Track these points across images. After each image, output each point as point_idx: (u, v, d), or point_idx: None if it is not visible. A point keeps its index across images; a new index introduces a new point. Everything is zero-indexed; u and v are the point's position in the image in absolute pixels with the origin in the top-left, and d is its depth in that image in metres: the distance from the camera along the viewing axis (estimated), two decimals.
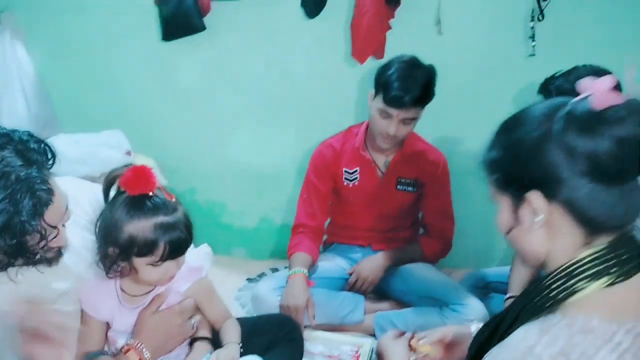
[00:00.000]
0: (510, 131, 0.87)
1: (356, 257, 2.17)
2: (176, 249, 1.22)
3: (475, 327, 1.20)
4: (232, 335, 1.40)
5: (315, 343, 1.88)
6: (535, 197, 0.82)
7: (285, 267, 2.12)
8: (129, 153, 2.29)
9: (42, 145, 1.07)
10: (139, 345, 1.25)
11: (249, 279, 2.55)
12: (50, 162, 1.09)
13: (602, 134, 0.77)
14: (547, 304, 0.81)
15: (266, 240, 2.74)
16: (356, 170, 2.08)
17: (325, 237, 2.27)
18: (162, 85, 2.60)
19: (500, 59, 2.33)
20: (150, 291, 1.33)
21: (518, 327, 0.82)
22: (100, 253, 1.26)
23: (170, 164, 2.58)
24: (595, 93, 0.80)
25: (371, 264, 2.09)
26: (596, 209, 0.80)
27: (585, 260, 0.81)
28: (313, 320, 1.88)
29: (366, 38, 2.28)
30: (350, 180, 2.09)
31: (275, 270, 2.59)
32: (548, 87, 1.72)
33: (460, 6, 2.28)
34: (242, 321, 1.52)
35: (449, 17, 2.29)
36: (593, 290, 0.79)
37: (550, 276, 0.83)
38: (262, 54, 2.47)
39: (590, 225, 0.81)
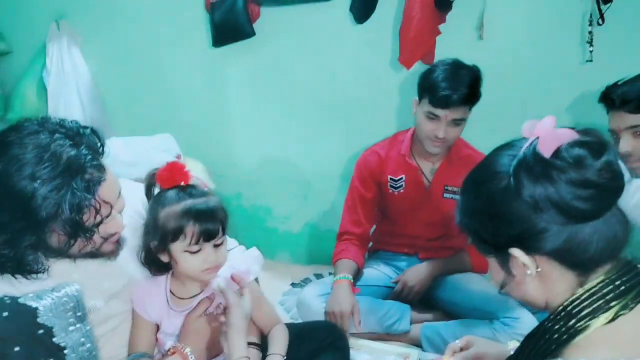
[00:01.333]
0: (473, 193, 0.85)
1: (402, 266, 2.14)
2: (207, 232, 1.22)
3: (513, 346, 1.16)
4: (278, 345, 1.39)
5: (361, 351, 1.85)
6: (518, 254, 0.80)
7: (330, 273, 2.11)
8: (179, 157, 2.33)
9: (91, 131, 1.13)
10: (183, 348, 1.26)
11: (293, 284, 2.55)
12: (100, 148, 1.13)
13: (558, 179, 0.74)
14: (550, 348, 0.79)
15: (310, 245, 2.74)
16: (402, 178, 2.05)
17: (370, 244, 2.24)
18: (211, 91, 2.65)
19: (553, 65, 2.25)
20: (197, 294, 1.34)
21: None
22: (143, 249, 1.29)
23: (218, 168, 2.63)
24: (541, 137, 0.77)
25: (418, 272, 2.06)
26: (581, 250, 0.77)
27: (582, 298, 0.78)
28: (359, 327, 1.86)
29: (414, 43, 2.25)
30: (396, 188, 2.07)
31: (319, 275, 2.58)
32: (610, 96, 1.65)
33: (508, 10, 2.23)
34: (289, 327, 1.51)
35: (494, 22, 2.23)
36: (594, 329, 0.76)
37: (551, 318, 0.81)
38: (310, 58, 2.48)
39: (580, 266, 0.79)
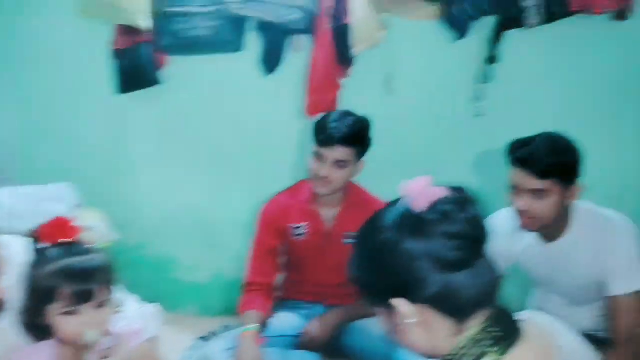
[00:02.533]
0: (359, 246, 0.92)
1: (310, 314, 2.13)
2: (82, 293, 1.16)
3: None
4: None
5: None
6: (399, 304, 0.86)
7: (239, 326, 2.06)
8: (77, 207, 2.22)
9: None
10: None
11: (199, 338, 2.45)
12: None
13: (431, 233, 0.82)
14: None
15: (219, 296, 2.67)
16: (303, 226, 2.08)
17: (278, 293, 2.23)
18: (115, 139, 2.59)
19: (450, 118, 2.41)
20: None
21: None
22: (23, 313, 1.21)
23: (121, 218, 2.51)
24: (414, 196, 0.85)
25: (323, 321, 2.06)
26: (456, 297, 0.83)
27: (464, 347, 0.84)
28: None
29: (316, 95, 2.35)
30: (298, 235, 2.09)
31: (227, 328, 2.51)
32: (515, 155, 1.69)
33: (411, 68, 2.38)
34: None
35: (398, 77, 2.37)
36: None
37: None
38: (217, 108, 2.50)
39: (457, 313, 0.85)
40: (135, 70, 2.39)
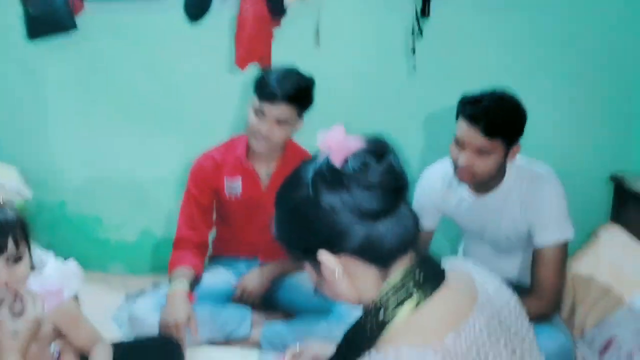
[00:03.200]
0: (280, 204, 0.92)
1: (242, 270, 2.12)
2: None
3: None
4: None
5: None
6: (324, 257, 0.87)
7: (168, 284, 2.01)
8: None
9: None
10: None
11: (127, 297, 2.39)
12: None
13: (350, 185, 0.83)
14: (365, 342, 0.85)
15: (147, 254, 2.60)
16: (238, 182, 2.04)
17: (210, 251, 2.19)
18: (28, 89, 2.40)
19: (381, 74, 2.39)
20: None
21: None
22: None
23: (38, 175, 2.38)
24: (332, 148, 0.86)
25: (255, 276, 2.06)
26: (378, 245, 0.85)
27: (388, 291, 0.86)
28: (196, 334, 1.80)
29: (249, 46, 2.26)
30: (233, 192, 2.04)
31: (157, 286, 2.45)
32: (468, 109, 1.66)
33: (341, 19, 2.33)
34: (118, 345, 1.41)
35: (329, 29, 2.32)
36: (400, 318, 0.84)
37: (363, 314, 0.88)
38: (141, 58, 2.37)
39: (379, 260, 0.87)
40: (47, 12, 2.20)
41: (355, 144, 0.85)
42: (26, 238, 1.19)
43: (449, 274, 0.89)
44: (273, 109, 1.87)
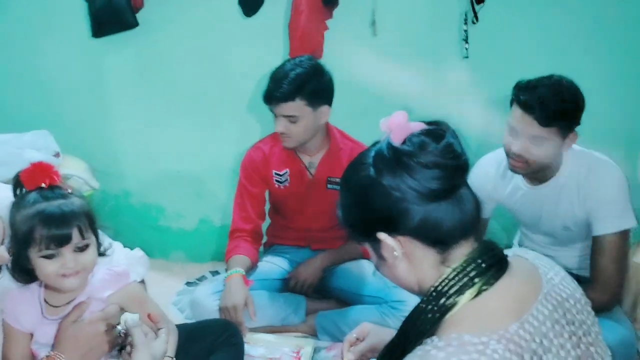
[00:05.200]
0: (344, 184, 0.94)
1: (296, 258, 2.16)
2: (57, 237, 1.16)
3: None
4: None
5: (256, 346, 1.85)
6: (384, 237, 0.88)
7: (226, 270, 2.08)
8: (57, 155, 2.18)
9: None
10: (58, 356, 1.19)
11: (188, 283, 2.49)
12: None
13: (409, 164, 0.83)
14: (426, 328, 0.85)
15: (206, 242, 2.68)
16: (286, 172, 2.07)
17: (265, 239, 2.24)
18: (93, 84, 2.51)
19: (435, 60, 2.37)
20: (71, 301, 1.27)
21: (411, 350, 0.84)
22: (9, 256, 1.21)
23: (103, 166, 2.49)
24: (393, 129, 0.86)
25: (309, 266, 2.09)
26: (438, 227, 0.85)
27: (449, 277, 0.85)
28: (254, 318, 1.86)
29: (303, 38, 2.28)
30: (281, 182, 2.08)
31: (215, 273, 2.54)
32: (523, 96, 1.61)
33: (396, 8, 2.31)
34: (181, 327, 1.47)
35: (383, 18, 2.31)
36: (462, 305, 0.83)
37: (423, 299, 0.87)
38: (198, 51, 2.43)
39: (439, 242, 0.87)
40: (111, 12, 2.29)
41: (415, 126, 0.87)
42: (93, 227, 1.23)
43: (512, 263, 0.88)
44: (278, 109, 1.90)
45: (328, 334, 1.97)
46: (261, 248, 2.20)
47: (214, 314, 1.88)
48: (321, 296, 2.14)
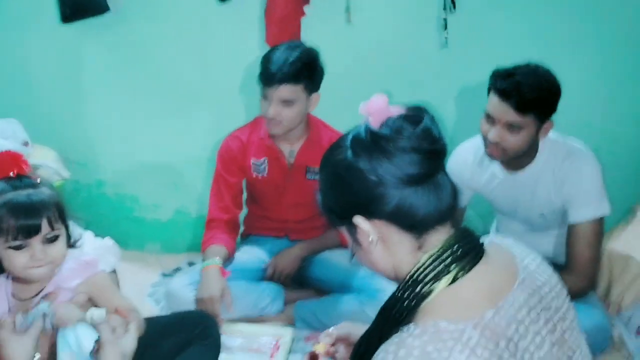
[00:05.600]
0: (322, 168, 0.93)
1: (274, 248, 2.14)
2: (26, 227, 1.14)
3: None
4: None
5: (234, 336, 1.84)
6: (359, 221, 0.87)
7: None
8: (26, 144, 2.12)
9: None
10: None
11: (163, 274, 2.45)
12: None
13: (386, 148, 0.83)
14: (402, 316, 0.85)
15: (182, 233, 2.64)
16: (264, 161, 2.05)
17: (242, 229, 2.22)
18: (66, 72, 2.45)
19: (412, 49, 2.36)
20: (39, 292, 1.23)
21: (387, 338, 0.84)
22: None
23: (75, 156, 2.44)
24: (371, 113, 0.86)
25: (287, 255, 2.08)
26: (414, 212, 0.84)
27: (425, 264, 0.85)
28: (231, 309, 1.84)
29: (279, 24, 2.25)
30: (259, 172, 2.06)
31: (192, 264, 2.51)
32: (500, 84, 1.62)
33: None
34: (155, 320, 1.45)
35: (360, 5, 2.29)
36: (438, 292, 0.83)
37: (400, 287, 0.87)
38: (173, 39, 2.39)
39: (415, 227, 0.86)
40: None
41: (394, 110, 0.86)
42: (63, 217, 1.21)
43: (488, 250, 0.88)
44: (275, 91, 1.85)
45: (306, 324, 1.96)
46: (238, 238, 2.17)
47: (190, 305, 1.86)
48: (299, 286, 2.13)
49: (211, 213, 2.08)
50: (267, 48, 2.28)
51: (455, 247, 0.85)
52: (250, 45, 2.36)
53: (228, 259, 2.01)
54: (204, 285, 1.84)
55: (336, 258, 2.06)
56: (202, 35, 2.37)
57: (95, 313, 1.13)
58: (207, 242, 2.01)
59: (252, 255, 2.12)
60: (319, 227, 2.14)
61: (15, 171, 1.17)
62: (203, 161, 2.51)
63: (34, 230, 1.14)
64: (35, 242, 1.15)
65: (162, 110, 2.48)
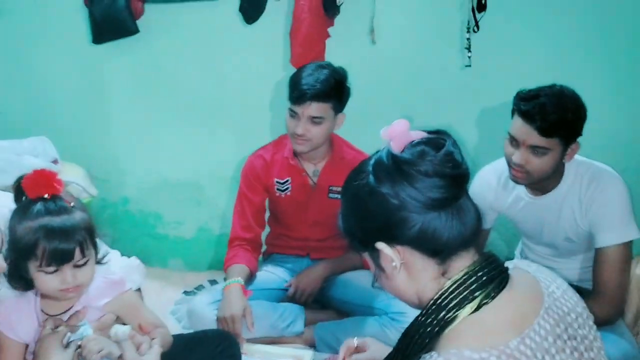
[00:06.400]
0: (344, 192, 0.94)
1: (295, 267, 2.14)
2: (60, 253, 1.15)
3: None
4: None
5: (254, 357, 1.83)
6: (382, 247, 0.87)
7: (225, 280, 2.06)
8: (55, 161, 2.17)
9: None
10: None
11: (185, 292, 2.46)
12: None
13: (408, 173, 0.83)
14: (425, 342, 0.83)
15: (204, 250, 2.66)
16: (287, 180, 2.06)
17: (264, 248, 2.22)
18: (92, 91, 2.51)
19: (435, 69, 2.36)
20: (68, 309, 1.25)
21: None
22: (6, 263, 1.18)
23: (101, 173, 2.48)
24: (393, 138, 0.86)
25: (309, 275, 2.07)
26: (437, 237, 0.84)
27: (449, 290, 0.84)
28: (252, 329, 1.84)
29: (304, 45, 2.27)
30: (282, 191, 2.07)
31: (214, 282, 2.52)
32: (524, 106, 1.60)
33: (395, 16, 2.31)
34: (177, 337, 1.46)
35: (383, 26, 2.30)
36: (462, 319, 0.82)
37: (422, 313, 0.86)
38: (198, 59, 2.43)
39: (438, 253, 0.85)
40: (111, 18, 2.29)
41: (416, 134, 0.87)
42: (93, 240, 1.22)
43: (513, 275, 0.87)
44: (305, 109, 1.88)
45: (327, 346, 1.95)
46: (260, 257, 2.18)
47: (212, 324, 1.86)
48: (320, 306, 2.12)
49: (234, 231, 2.09)
50: (291, 68, 2.33)
51: (480, 273, 0.84)
52: (275, 66, 2.39)
53: (250, 278, 2.02)
54: (226, 304, 1.84)
55: (358, 279, 2.05)
56: (226, 55, 2.41)
57: (120, 330, 1.15)
58: (230, 260, 2.02)
59: (273, 274, 2.12)
60: (340, 247, 2.13)
61: (50, 191, 1.17)
62: (226, 179, 2.53)
63: (67, 258, 1.16)
64: (67, 267, 1.17)
65: (186, 128, 2.51)
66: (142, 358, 1.14)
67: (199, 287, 2.50)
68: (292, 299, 2.07)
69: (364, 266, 2.09)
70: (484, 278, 0.84)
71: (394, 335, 1.77)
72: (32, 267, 1.16)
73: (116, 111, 2.52)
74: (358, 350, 1.26)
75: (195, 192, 2.60)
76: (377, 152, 0.90)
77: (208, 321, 1.88)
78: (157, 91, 2.48)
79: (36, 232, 1.13)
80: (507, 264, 0.91)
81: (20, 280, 1.21)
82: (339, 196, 2.04)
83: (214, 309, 1.89)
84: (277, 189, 2.07)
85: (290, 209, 2.10)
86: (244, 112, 2.47)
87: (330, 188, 2.05)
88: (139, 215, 2.65)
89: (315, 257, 2.14)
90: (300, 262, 2.15)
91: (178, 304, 2.36)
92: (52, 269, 1.15)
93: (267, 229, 2.23)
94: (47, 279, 1.16)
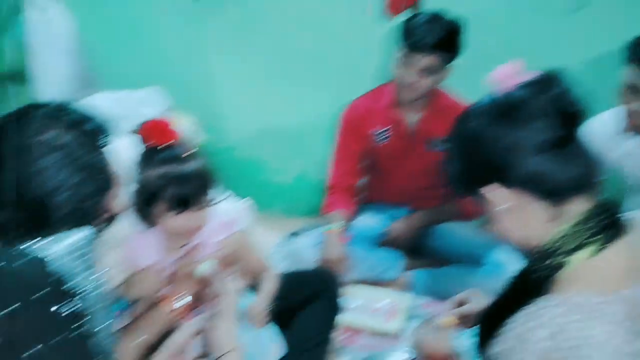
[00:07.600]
0: (452, 136, 0.92)
1: (392, 216, 2.16)
2: (186, 198, 1.23)
3: None
4: (263, 294, 1.42)
5: (354, 297, 1.90)
6: (492, 190, 0.85)
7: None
8: (168, 111, 2.30)
9: (99, 124, 1.05)
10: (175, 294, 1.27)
11: (286, 236, 2.57)
12: (106, 139, 1.06)
13: (518, 114, 0.81)
14: (535, 286, 0.82)
15: (304, 197, 2.75)
16: (386, 129, 2.05)
17: (362, 195, 2.26)
18: (196, 45, 2.61)
19: (547, 11, 2.21)
20: (186, 244, 1.34)
21: (518, 309, 0.82)
22: (134, 204, 1.29)
23: (209, 121, 2.59)
24: (502, 80, 0.84)
25: (404, 224, 2.09)
26: (547, 179, 0.81)
27: (562, 236, 0.82)
28: (350, 272, 1.90)
29: None
30: (381, 140, 2.06)
31: (313, 227, 2.60)
32: (630, 54, 1.54)
33: None
34: (281, 276, 1.54)
35: None
36: (578, 263, 0.80)
37: (535, 257, 0.85)
38: (293, 11, 2.44)
39: (549, 196, 0.83)
40: None
41: (526, 75, 0.85)
42: (211, 184, 1.30)
43: (629, 226, 0.84)
44: (419, 58, 1.82)
45: (424, 292, 1.98)
46: (359, 205, 2.22)
47: (312, 266, 1.94)
48: (417, 254, 2.14)
49: (332, 178, 2.14)
50: (385, 16, 2.28)
51: (595, 221, 0.82)
52: (370, 15, 2.35)
53: (348, 224, 2.07)
54: (325, 248, 1.91)
55: (457, 229, 2.04)
56: (321, 5, 2.41)
57: (206, 265, 1.24)
58: (329, 206, 2.08)
59: (371, 221, 2.16)
60: (438, 196, 2.13)
61: (171, 138, 1.25)
62: (323, 128, 2.57)
63: (193, 201, 1.24)
64: (190, 210, 1.25)
65: (284, 79, 2.56)
66: (229, 287, 1.20)
67: (299, 231, 2.59)
68: (389, 245, 2.10)
69: (461, 217, 2.08)
70: (603, 223, 0.81)
71: (493, 285, 1.76)
72: (159, 208, 1.26)
73: (219, 64, 2.61)
74: (462, 303, 1.26)
75: (295, 139, 2.68)
76: (488, 94, 0.88)
77: (308, 262, 1.97)
78: (257, 43, 2.53)
79: (164, 177, 1.22)
80: (626, 214, 0.87)
81: (146, 218, 1.31)
82: (437, 148, 2.04)
83: (314, 252, 1.98)
84: (376, 138, 2.07)
85: (388, 159, 2.10)
86: (343, 61, 2.47)
87: (429, 138, 2.02)
88: (241, 162, 2.77)
89: (414, 206, 2.15)
90: (397, 211, 2.17)
91: (279, 247, 2.47)
92: (176, 211, 1.24)
93: (365, 178, 2.26)
94: (172, 220, 1.26)
